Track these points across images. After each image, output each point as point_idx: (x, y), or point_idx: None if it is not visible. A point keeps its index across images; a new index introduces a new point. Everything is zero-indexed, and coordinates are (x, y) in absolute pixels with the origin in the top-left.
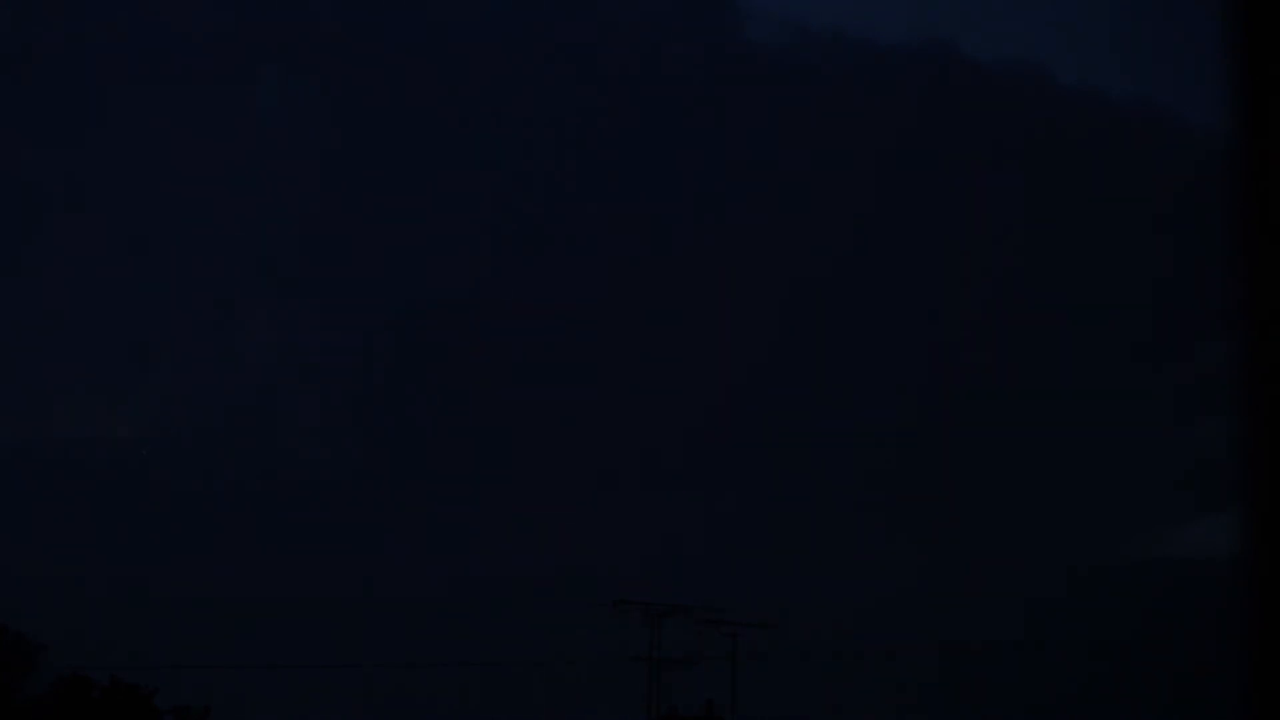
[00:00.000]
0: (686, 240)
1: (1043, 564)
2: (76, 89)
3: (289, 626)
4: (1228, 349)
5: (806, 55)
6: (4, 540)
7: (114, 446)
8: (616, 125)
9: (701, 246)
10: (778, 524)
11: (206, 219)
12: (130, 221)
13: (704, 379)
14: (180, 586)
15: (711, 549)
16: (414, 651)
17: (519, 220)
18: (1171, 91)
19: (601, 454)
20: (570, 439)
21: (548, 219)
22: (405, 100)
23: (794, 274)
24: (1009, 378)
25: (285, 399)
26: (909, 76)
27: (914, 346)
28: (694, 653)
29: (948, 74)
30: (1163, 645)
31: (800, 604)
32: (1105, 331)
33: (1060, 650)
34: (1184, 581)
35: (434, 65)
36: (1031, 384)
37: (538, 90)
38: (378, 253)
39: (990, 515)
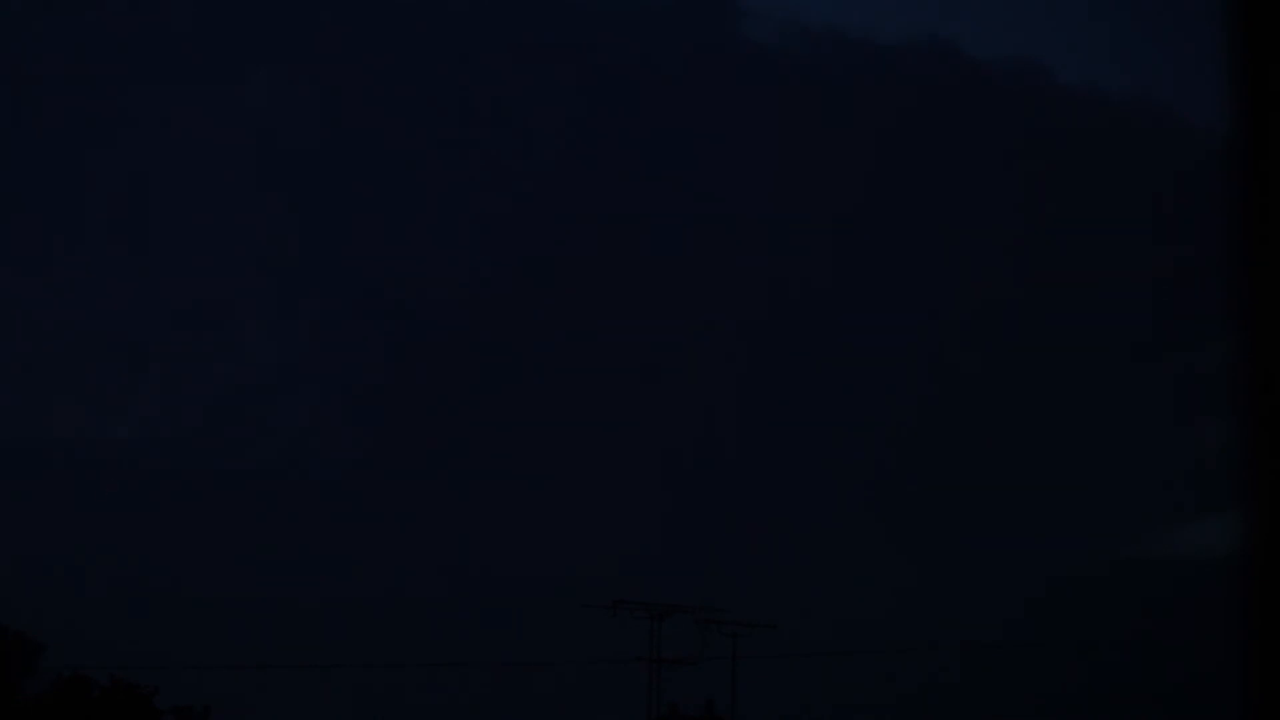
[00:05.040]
0: (686, 238)
1: (1042, 564)
2: (74, 89)
3: (289, 626)
4: (1228, 349)
5: (805, 54)
6: (4, 540)
7: (113, 446)
8: (613, 123)
9: (700, 244)
10: (778, 524)
11: (204, 219)
12: (128, 221)
13: (704, 380)
14: (180, 586)
15: (711, 549)
16: (413, 651)
17: (516, 218)
18: (1171, 91)
19: (602, 454)
20: (570, 439)
21: (545, 217)
22: (401, 98)
23: (792, 273)
24: (1008, 377)
25: (284, 398)
26: (909, 76)
27: (914, 345)
28: (694, 653)
29: (948, 73)
30: (1162, 645)
31: (800, 604)
32: (1105, 331)
33: (1060, 650)
34: (1184, 581)
35: (429, 64)
36: (1031, 384)
37: (534, 88)
38: (375, 250)
39: (990, 515)
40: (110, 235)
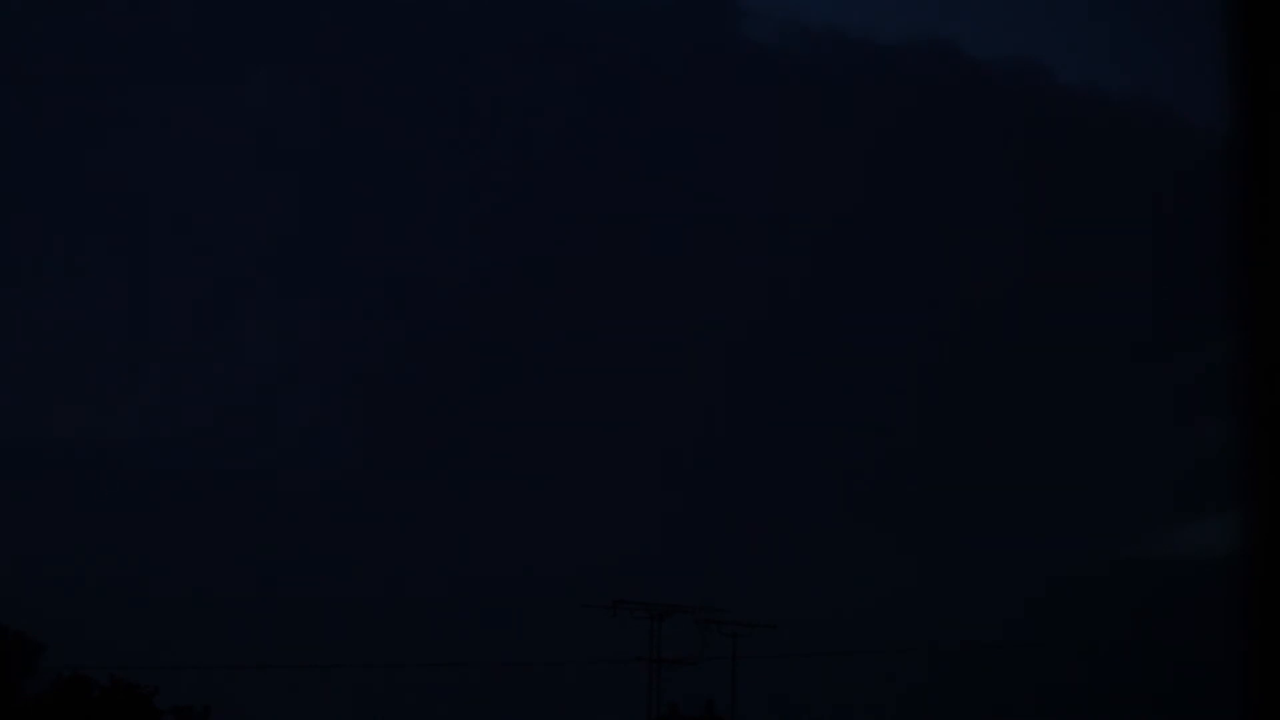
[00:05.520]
0: (685, 238)
1: (1041, 564)
2: (74, 90)
3: (289, 626)
4: (1228, 349)
5: (805, 54)
6: (4, 540)
7: (114, 446)
8: (613, 123)
9: (700, 244)
10: (778, 524)
11: (203, 218)
12: (128, 221)
13: (704, 379)
14: (180, 586)
15: (711, 549)
16: (413, 652)
17: (516, 218)
18: (1171, 91)
19: (602, 453)
20: (570, 439)
21: (545, 217)
22: (401, 98)
23: (792, 273)
24: (1008, 377)
25: (284, 398)
26: (909, 75)
27: (914, 345)
28: (694, 653)
29: (948, 73)
30: (1161, 645)
31: (800, 604)
32: (1105, 331)
33: (1059, 650)
34: (1184, 581)
35: (429, 64)
36: (1031, 384)
37: (534, 87)
38: (375, 250)
39: (990, 515)
40: (110, 235)
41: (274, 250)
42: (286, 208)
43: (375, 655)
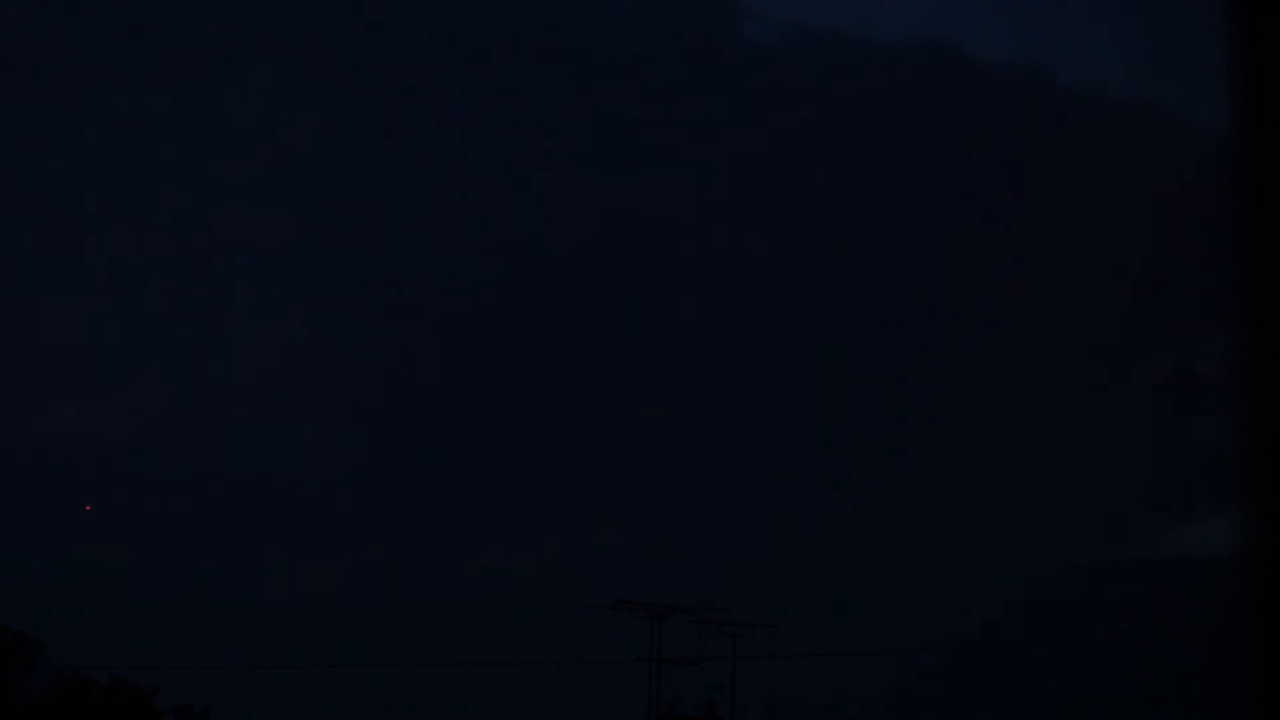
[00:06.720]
0: (685, 237)
1: (1041, 562)
2: (73, 90)
3: (289, 626)
4: (1227, 348)
5: (806, 54)
6: (4, 540)
7: (114, 446)
8: (613, 123)
9: (700, 244)
10: (778, 524)
11: (203, 218)
12: (127, 221)
13: (705, 379)
14: (180, 586)
15: (711, 549)
16: (413, 651)
17: (517, 218)
18: (1171, 91)
19: (602, 453)
20: (570, 438)
21: (546, 217)
22: (401, 98)
23: (790, 272)
24: (1008, 376)
25: (284, 397)
26: (909, 75)
27: (913, 344)
28: (694, 653)
29: (948, 73)
30: (1160, 644)
31: (800, 604)
32: (1104, 330)
33: (1058, 648)
34: (1184, 581)
35: (430, 64)
36: (1030, 383)
37: (533, 88)
38: (374, 250)
39: (989, 514)
40: (110, 235)
41: (274, 250)
42: (287, 207)
43: (375, 655)
